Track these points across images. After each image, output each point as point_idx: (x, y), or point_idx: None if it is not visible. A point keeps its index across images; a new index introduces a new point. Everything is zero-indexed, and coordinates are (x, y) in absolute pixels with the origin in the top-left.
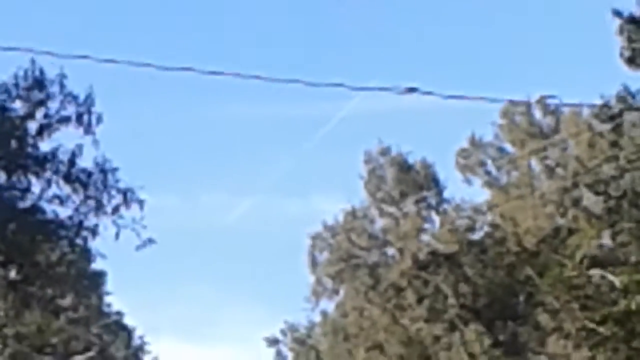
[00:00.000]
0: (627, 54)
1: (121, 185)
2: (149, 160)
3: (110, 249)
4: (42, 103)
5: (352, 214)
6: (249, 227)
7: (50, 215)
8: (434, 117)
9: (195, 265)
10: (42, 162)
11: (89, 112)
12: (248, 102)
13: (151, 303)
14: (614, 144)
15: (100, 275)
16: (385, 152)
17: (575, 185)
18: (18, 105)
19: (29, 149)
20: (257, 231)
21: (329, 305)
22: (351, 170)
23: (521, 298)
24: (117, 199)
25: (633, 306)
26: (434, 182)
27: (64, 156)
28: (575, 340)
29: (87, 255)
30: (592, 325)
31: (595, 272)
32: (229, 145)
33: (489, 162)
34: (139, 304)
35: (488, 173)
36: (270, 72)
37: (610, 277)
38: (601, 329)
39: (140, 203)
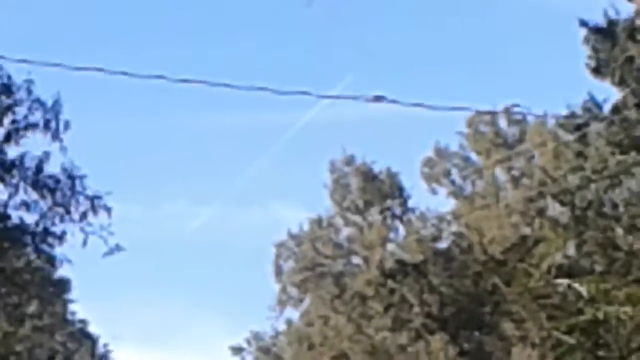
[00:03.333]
0: (592, 64)
1: (88, 192)
2: (113, 168)
3: (76, 256)
4: (9, 109)
5: (317, 222)
6: (211, 236)
7: (16, 222)
8: (398, 126)
9: (159, 274)
10: (9, 168)
11: (57, 119)
12: (210, 110)
13: (115, 311)
14: (580, 154)
15: (65, 283)
16: (349, 161)
17: (541, 195)
18: None
19: None
20: (219, 240)
21: (293, 314)
22: (313, 179)
23: (487, 307)
24: (85, 205)
25: (600, 315)
26: (399, 192)
27: (31, 162)
28: (540, 350)
29: (52, 262)
30: (558, 335)
31: (562, 282)
32: (190, 153)
33: (455, 171)
34: (103, 312)
35: (453, 182)
36: (233, 80)
37: (577, 286)
38: (567, 338)
39: (108, 210)
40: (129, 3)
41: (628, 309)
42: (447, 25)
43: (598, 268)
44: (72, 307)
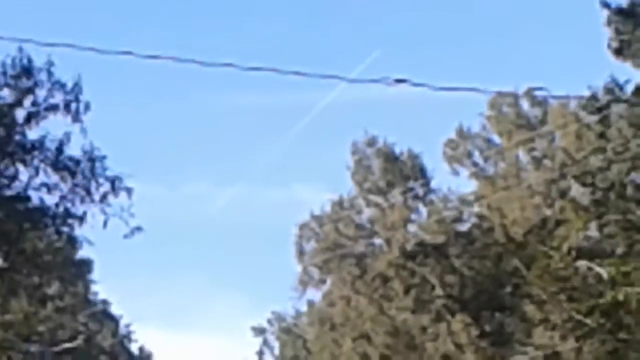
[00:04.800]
0: (614, 45)
1: (109, 173)
2: (134, 148)
3: (97, 238)
4: (29, 91)
5: (339, 204)
6: (233, 217)
7: (37, 203)
8: (420, 107)
9: (181, 254)
10: (29, 150)
11: (77, 100)
12: (232, 91)
13: (137, 292)
14: (601, 136)
15: (86, 264)
16: (372, 142)
17: (563, 176)
18: (5, 93)
19: (17, 137)
20: (241, 221)
21: (315, 295)
22: (334, 160)
23: (508, 289)
24: (105, 187)
25: (620, 297)
26: (421, 173)
27: (51, 144)
28: (561, 332)
29: (73, 243)
30: (579, 317)
31: (582, 264)
32: (213, 134)
33: (476, 153)
34: (125, 292)
35: (475, 164)
36: (254, 62)
37: (597, 268)
38: (588, 321)
39: (128, 191)
40: None
41: None
42: (472, 4)
43: (619, 250)
44: (94, 287)
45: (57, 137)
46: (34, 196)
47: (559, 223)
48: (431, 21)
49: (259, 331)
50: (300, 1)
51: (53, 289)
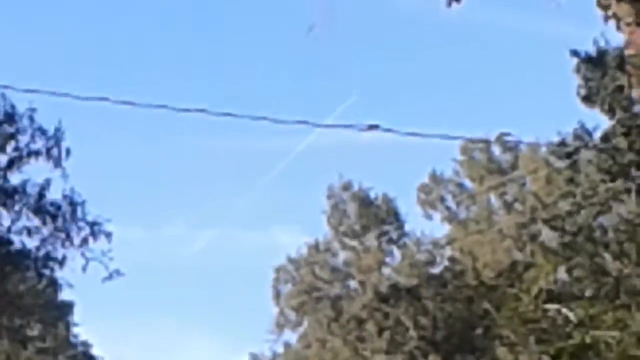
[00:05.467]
0: (583, 92)
1: (89, 217)
2: (114, 190)
3: (78, 280)
4: (12, 137)
5: (315, 247)
6: (211, 259)
7: (18, 246)
8: (394, 153)
9: (159, 296)
10: (11, 194)
11: (58, 146)
12: (210, 135)
13: (118, 334)
14: (570, 181)
15: (67, 306)
16: (347, 187)
17: (533, 220)
18: None
19: None
20: (218, 263)
21: (292, 337)
22: (311, 204)
23: (479, 331)
24: (85, 230)
25: (588, 340)
26: (395, 217)
27: (33, 189)
28: None
29: (54, 286)
30: (547, 359)
31: (551, 307)
32: (190, 177)
33: (449, 197)
34: (106, 334)
35: (448, 208)
36: (232, 107)
37: (566, 311)
38: None
39: (107, 235)
40: (130, 36)
41: (615, 333)
42: (442, 54)
43: (587, 293)
44: (75, 330)
45: (38, 183)
46: (16, 240)
47: (528, 266)
48: (404, 70)
49: None
50: (280, 49)
51: (34, 331)
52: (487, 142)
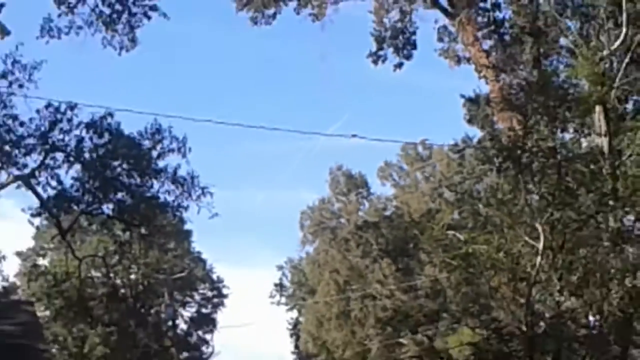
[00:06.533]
0: (467, 117)
1: (201, 184)
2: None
3: (195, 218)
4: (159, 141)
5: (322, 201)
6: (269, 212)
7: (162, 200)
8: (366, 150)
9: (243, 226)
10: (159, 172)
11: (184, 145)
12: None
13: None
14: (460, 165)
15: (188, 232)
16: (339, 168)
17: (440, 186)
18: (146, 143)
19: (152, 166)
20: (273, 215)
21: (310, 249)
22: (319, 179)
23: (411, 245)
24: (198, 191)
25: (470, 251)
26: (365, 185)
27: (170, 169)
28: (440, 267)
29: (182, 221)
30: (449, 260)
31: (450, 232)
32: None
33: (395, 174)
34: (209, 246)
35: (394, 180)
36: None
37: (458, 234)
38: (453, 262)
39: (211, 194)
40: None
41: (485, 247)
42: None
43: (469, 225)
44: (193, 244)
45: (173, 165)
46: (162, 197)
47: (438, 211)
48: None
49: (279, 267)
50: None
51: (171, 244)
52: (415, 144)
